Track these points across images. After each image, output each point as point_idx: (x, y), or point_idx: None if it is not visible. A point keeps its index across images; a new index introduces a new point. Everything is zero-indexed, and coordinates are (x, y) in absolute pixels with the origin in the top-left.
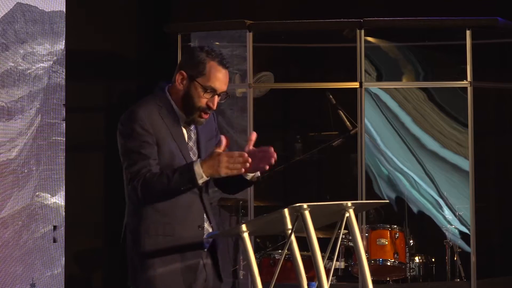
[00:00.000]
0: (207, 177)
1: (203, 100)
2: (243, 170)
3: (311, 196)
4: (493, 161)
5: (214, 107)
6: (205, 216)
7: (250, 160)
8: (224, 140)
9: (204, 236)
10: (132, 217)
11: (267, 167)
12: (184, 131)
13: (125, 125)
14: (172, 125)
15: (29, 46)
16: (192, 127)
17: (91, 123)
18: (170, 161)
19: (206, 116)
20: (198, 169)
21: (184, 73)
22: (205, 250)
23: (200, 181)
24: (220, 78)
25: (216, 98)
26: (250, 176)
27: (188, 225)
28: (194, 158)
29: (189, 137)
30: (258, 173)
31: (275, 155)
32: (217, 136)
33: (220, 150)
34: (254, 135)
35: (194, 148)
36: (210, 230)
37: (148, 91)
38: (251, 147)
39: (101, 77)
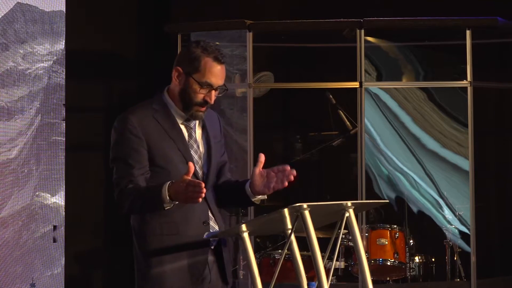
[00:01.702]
0: (174, 200)
1: (200, 96)
2: (199, 200)
3: (311, 196)
4: (493, 161)
5: (212, 102)
6: (209, 213)
7: (205, 190)
8: (192, 167)
9: (204, 236)
10: (137, 219)
11: (286, 184)
12: (184, 130)
13: (116, 131)
14: (169, 126)
15: (29, 46)
16: (193, 125)
17: (91, 123)
18: (166, 162)
19: (203, 109)
20: (164, 192)
21: (180, 69)
22: (212, 247)
23: (166, 206)
24: (215, 74)
25: (214, 93)
26: (257, 198)
27: (192, 222)
28: (195, 156)
29: (190, 135)
30: (265, 196)
31: (294, 172)
32: (221, 140)
33: (187, 176)
34: (262, 157)
35: (195, 146)
36: (216, 227)
37: (148, 91)
38: (260, 168)
39: (101, 77)
